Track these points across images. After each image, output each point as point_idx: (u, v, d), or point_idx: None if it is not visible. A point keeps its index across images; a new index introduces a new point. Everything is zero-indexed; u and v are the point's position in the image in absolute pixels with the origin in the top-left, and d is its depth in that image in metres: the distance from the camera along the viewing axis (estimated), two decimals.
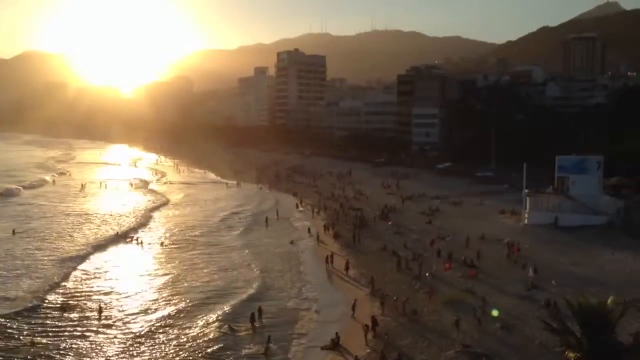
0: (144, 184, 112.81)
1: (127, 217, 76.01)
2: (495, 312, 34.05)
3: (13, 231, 64.16)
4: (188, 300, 41.15)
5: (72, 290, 43.82)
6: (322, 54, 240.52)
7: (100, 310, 38.57)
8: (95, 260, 53.36)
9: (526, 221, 62.86)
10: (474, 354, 29.78)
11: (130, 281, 46.90)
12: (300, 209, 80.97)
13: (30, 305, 39.82)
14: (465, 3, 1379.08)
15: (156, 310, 39.52)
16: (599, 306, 22.10)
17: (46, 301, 40.89)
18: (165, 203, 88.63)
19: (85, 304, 40.54)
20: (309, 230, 63.95)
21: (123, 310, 39.27)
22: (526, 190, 65.67)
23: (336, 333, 33.31)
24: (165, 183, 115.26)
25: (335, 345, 32.74)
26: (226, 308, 39.48)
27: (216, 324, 36.47)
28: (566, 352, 21.98)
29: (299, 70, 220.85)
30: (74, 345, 33.42)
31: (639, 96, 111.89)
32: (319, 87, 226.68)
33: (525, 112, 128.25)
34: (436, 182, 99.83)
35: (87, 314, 38.52)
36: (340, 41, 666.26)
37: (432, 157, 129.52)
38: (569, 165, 64.09)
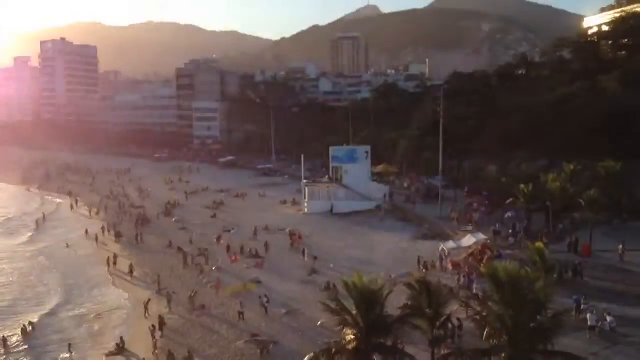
0: None
1: None
2: None
3: None
4: None
5: None
6: (93, 44, 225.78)
7: None
8: None
9: (306, 210, 66.34)
10: (262, 341, 30.68)
11: None
12: (76, 209, 75.60)
13: None
14: None
15: None
16: (370, 284, 24.15)
17: None
18: None
19: None
20: (86, 232, 59.94)
21: None
22: (304, 181, 69.32)
23: (121, 337, 31.93)
24: None
25: (120, 349, 31.36)
26: None
27: None
28: (344, 330, 23.71)
29: (67, 61, 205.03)
30: None
31: (396, 91, 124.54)
32: (90, 80, 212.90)
33: (301, 106, 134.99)
34: (219, 175, 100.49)
35: None
36: (112, 31, 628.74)
37: (214, 151, 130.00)
38: (341, 155, 68.99)
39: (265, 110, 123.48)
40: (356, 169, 67.53)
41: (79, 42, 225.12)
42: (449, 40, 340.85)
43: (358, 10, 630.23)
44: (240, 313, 34.33)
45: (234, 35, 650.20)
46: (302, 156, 70.19)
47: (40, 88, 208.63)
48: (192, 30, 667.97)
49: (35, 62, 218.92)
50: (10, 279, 46.32)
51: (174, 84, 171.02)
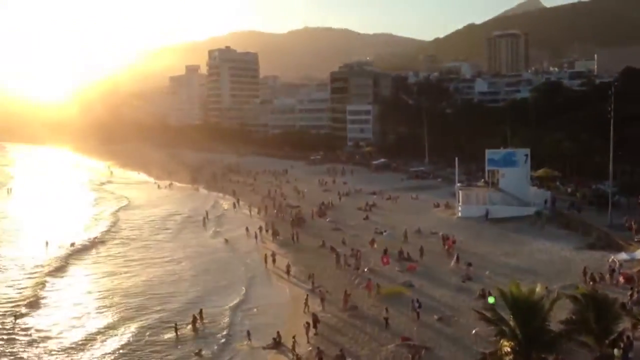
0: (89, 185, 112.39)
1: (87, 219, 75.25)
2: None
3: None
4: (130, 305, 40.43)
5: None
6: (254, 52, 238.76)
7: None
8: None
9: (459, 214, 64.51)
10: (414, 346, 30.29)
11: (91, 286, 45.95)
12: (238, 208, 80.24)
13: None
14: (394, 1, 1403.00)
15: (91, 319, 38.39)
16: (529, 294, 22.83)
17: None
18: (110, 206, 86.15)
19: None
20: (247, 230, 63.29)
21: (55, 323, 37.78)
22: (458, 184, 67.48)
23: (277, 332, 33.18)
24: (102, 184, 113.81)
25: (277, 344, 32.63)
26: (168, 311, 38.98)
27: (158, 328, 35.97)
28: (501, 341, 22.64)
29: (232, 68, 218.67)
30: None
31: (560, 90, 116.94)
32: (252, 85, 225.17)
33: (455, 108, 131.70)
34: (372, 178, 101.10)
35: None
36: (271, 39, 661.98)
37: (367, 153, 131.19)
38: (498, 159, 66.04)
39: (419, 112, 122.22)
40: (514, 173, 64.28)
41: (242, 50, 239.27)
42: (621, 34, 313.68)
43: (518, 6, 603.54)
44: (386, 319, 33.99)
45: (387, 37, 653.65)
46: (457, 159, 68.38)
47: (208, 94, 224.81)
48: (346, 34, 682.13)
49: (204, 70, 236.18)
50: (195, 272, 49.61)
51: (329, 88, 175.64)
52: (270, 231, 61.75)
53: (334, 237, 57.21)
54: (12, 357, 32.44)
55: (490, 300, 24.26)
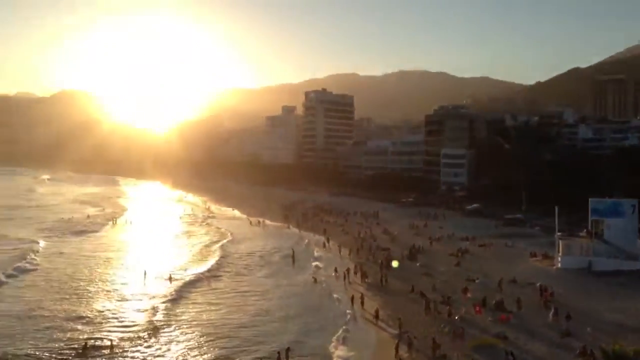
0: (194, 219, 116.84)
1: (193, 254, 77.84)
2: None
3: None
4: (222, 344, 40.54)
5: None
6: (349, 94, 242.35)
7: (111, 347, 38.76)
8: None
9: (559, 265, 61.29)
10: None
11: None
12: (328, 247, 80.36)
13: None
14: (494, 44, 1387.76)
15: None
16: (636, 356, 21.23)
17: None
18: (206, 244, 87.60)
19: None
20: (335, 270, 62.97)
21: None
22: (559, 234, 64.32)
23: None
24: (206, 219, 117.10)
25: None
26: (256, 350, 38.97)
27: None
28: None
29: (327, 109, 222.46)
30: None
31: None
32: (346, 127, 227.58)
33: (556, 153, 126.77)
34: (464, 223, 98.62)
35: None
36: (367, 81, 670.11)
37: (460, 198, 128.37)
38: (603, 209, 62.73)
39: (516, 156, 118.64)
40: (621, 225, 60.65)
41: (338, 92, 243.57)
42: None
43: (627, 50, 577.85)
44: None
45: (485, 80, 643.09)
46: (557, 208, 65.31)
47: (303, 134, 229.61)
48: (443, 78, 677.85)
49: (299, 111, 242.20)
50: (285, 311, 49.07)
51: (423, 130, 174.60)
52: (359, 273, 61.13)
53: (424, 282, 55.86)
54: None
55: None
